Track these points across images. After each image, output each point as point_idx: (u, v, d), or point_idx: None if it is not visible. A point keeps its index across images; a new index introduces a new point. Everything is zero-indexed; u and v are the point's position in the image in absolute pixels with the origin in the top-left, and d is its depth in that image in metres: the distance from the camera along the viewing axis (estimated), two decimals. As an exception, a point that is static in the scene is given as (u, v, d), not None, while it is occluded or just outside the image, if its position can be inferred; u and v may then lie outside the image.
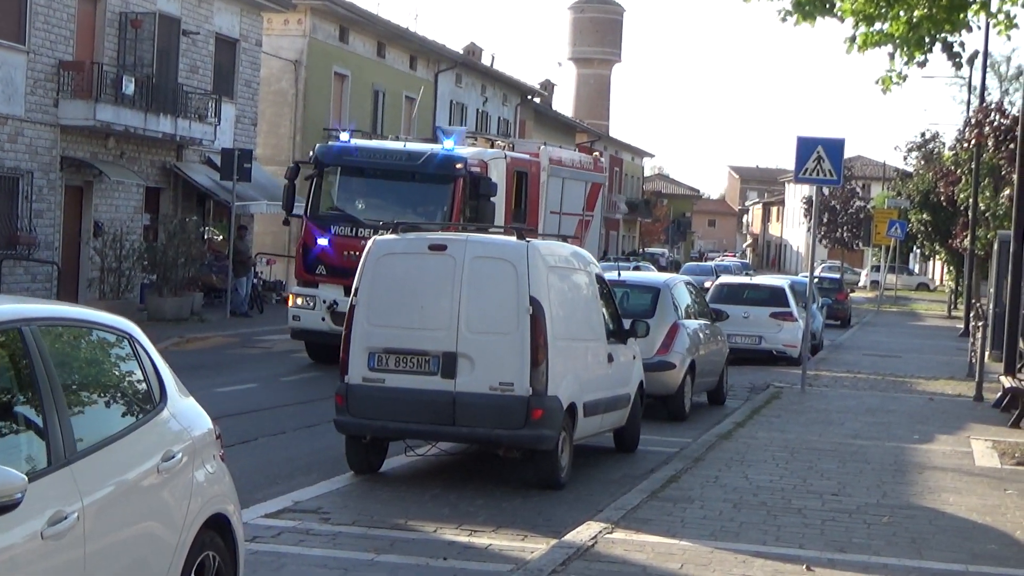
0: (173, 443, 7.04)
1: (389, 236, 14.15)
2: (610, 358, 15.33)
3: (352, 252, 22.57)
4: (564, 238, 19.41)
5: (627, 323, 16.38)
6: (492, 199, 25.40)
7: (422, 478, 14.13)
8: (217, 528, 7.34)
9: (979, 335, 30.48)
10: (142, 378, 7.10)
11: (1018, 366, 22.89)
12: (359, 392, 13.66)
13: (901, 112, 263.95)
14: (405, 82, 52.81)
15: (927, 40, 16.15)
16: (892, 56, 15.99)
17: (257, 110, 42.09)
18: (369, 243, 14.17)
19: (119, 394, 6.96)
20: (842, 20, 16.71)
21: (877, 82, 17.05)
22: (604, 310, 15.51)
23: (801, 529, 11.62)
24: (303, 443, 16.37)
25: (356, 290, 13.86)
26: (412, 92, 53.40)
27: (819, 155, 23.06)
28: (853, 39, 16.81)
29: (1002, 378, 22.00)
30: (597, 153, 38.77)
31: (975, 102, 68.67)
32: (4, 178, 30.27)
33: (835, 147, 23.21)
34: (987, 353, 29.30)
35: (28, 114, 30.73)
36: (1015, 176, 25.14)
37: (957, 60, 16.93)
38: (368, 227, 23.72)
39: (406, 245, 14.03)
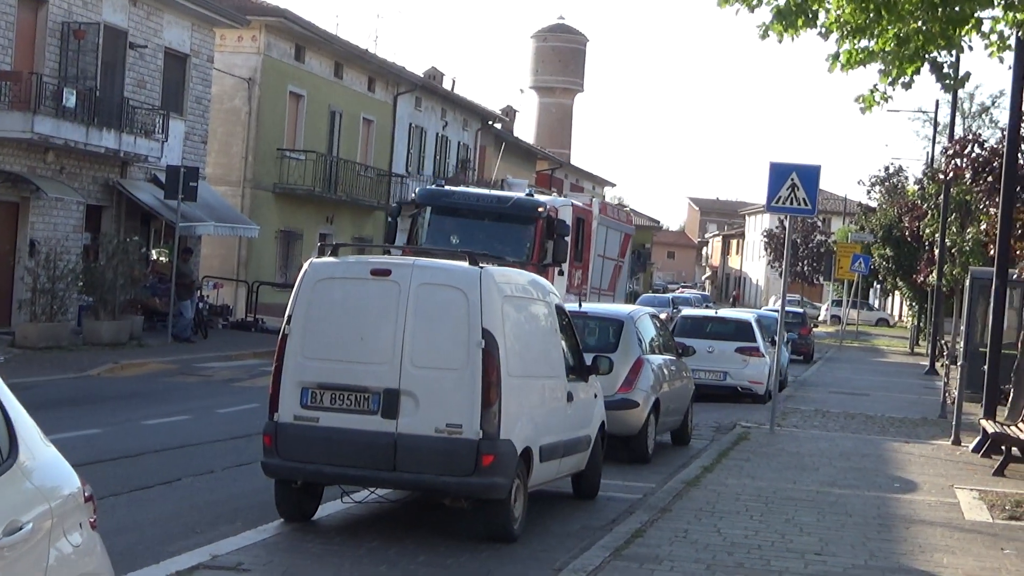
0: (23, 510, 5.58)
1: (327, 259, 12.73)
2: (570, 397, 13.95)
3: None
4: (514, 265, 18.64)
5: (588, 358, 15.03)
6: (566, 238, 29.29)
7: (359, 528, 12.65)
8: (85, 613, 5.89)
9: (952, 375, 29.39)
10: (-13, 426, 5.64)
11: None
12: (290, 432, 12.21)
13: (860, 148, 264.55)
14: (363, 104, 51.47)
15: (918, 57, 14.88)
16: (884, 72, 14.68)
17: (208, 128, 40.60)
18: (305, 266, 12.74)
19: (-48, 448, 5.50)
20: (825, 37, 15.43)
21: (858, 100, 15.76)
22: (564, 344, 14.14)
23: (784, 598, 10.23)
24: (232, 484, 14.88)
25: (289, 318, 12.43)
26: (370, 114, 52.08)
27: (793, 183, 21.85)
28: (837, 56, 15.50)
29: (982, 422, 20.72)
30: (628, 209, 48.17)
31: (941, 137, 68.13)
32: (-67, 192, 28.67)
33: (810, 174, 21.99)
34: (954, 391, 28.15)
35: (-39, 125, 29.14)
36: (998, 210, 24.02)
37: (947, 81, 15.66)
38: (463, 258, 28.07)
39: (346, 269, 12.61)
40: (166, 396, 23.11)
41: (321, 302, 12.37)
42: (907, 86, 15.77)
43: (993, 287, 21.43)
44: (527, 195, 30.57)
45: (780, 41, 15.03)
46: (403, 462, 11.94)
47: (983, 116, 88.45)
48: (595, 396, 15.14)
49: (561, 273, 30.35)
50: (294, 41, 45.46)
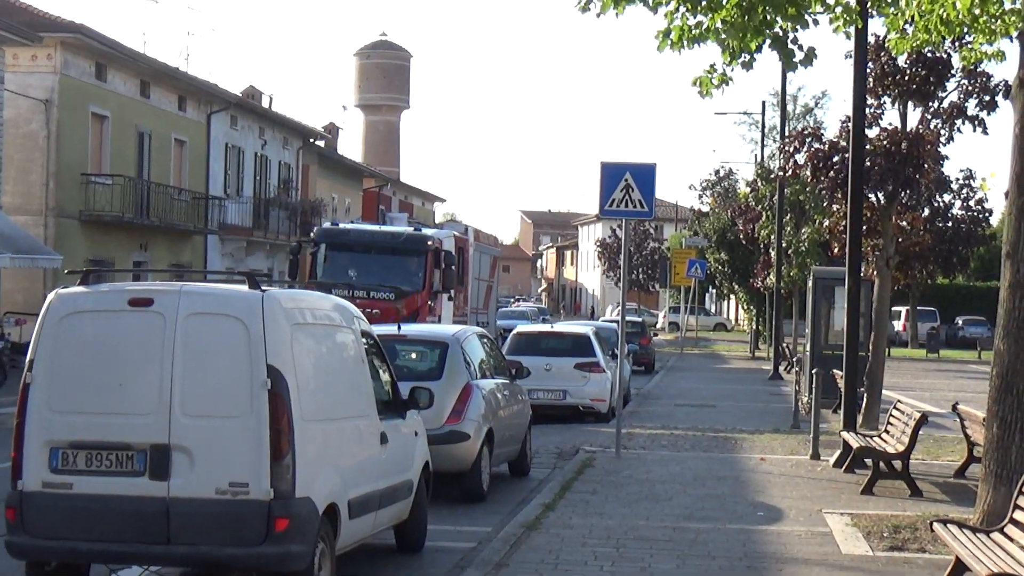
0: None
1: (75, 289, 10.45)
2: (383, 438, 11.88)
3: None
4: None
5: (406, 390, 12.98)
6: (452, 267, 32.88)
7: (129, 616, 10.39)
8: None
9: (802, 382, 27.93)
10: None
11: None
12: (38, 502, 10.00)
13: (688, 154, 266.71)
14: (174, 123, 48.72)
15: (760, 31, 13.12)
16: (724, 47, 12.89)
17: (2, 154, 37.64)
18: (49, 297, 10.46)
19: None
20: (654, 10, 13.58)
21: (694, 83, 14.01)
22: (375, 377, 12.06)
23: None
24: (-16, 564, 12.41)
25: (30, 363, 10.17)
26: (181, 134, 49.38)
27: (627, 183, 20.15)
28: (667, 33, 13.67)
29: (843, 434, 19.08)
30: (495, 236, 53.17)
31: (768, 139, 67.43)
32: None
33: (645, 174, 20.34)
34: (806, 397, 26.75)
35: None
36: (843, 205, 22.54)
37: (791, 59, 13.91)
38: (361, 289, 31.27)
39: (97, 300, 10.36)
40: (-59, 451, 20.38)
41: (69, 342, 10.15)
42: (747, 65, 14.11)
43: (847, 287, 19.85)
44: (415, 229, 34.34)
45: (600, 15, 13.16)
46: (178, 532, 9.81)
47: (807, 117, 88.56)
48: (415, 434, 13.10)
49: (451, 299, 34.12)
50: (94, 59, 42.59)
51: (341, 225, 35.29)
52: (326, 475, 10.38)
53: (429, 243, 32.88)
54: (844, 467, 18.80)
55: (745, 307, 71.60)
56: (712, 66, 13.94)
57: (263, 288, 10.19)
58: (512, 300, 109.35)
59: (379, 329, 15.97)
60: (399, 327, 17.63)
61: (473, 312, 39.40)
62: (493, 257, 45.14)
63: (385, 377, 12.55)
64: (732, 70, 13.98)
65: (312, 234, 34.26)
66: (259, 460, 9.76)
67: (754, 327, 65.35)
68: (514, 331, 29.30)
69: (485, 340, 18.79)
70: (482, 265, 42.07)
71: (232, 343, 9.91)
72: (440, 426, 15.81)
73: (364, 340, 12.00)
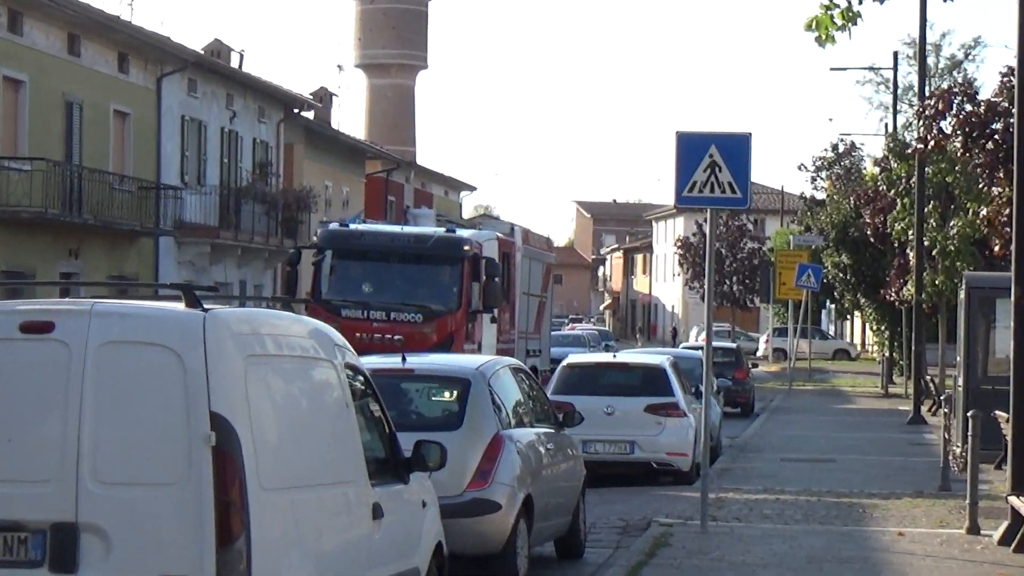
0: None
1: (-51, 311, 10.16)
2: (377, 511, 11.56)
3: (365, 335, 30.57)
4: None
5: (408, 444, 12.68)
6: (496, 279, 33.35)
7: None
8: None
9: (953, 428, 27.55)
10: None
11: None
12: None
13: (795, 127, 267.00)
14: (112, 90, 48.96)
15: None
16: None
17: None
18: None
19: None
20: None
21: (809, 27, 13.81)
22: (368, 427, 11.84)
23: None
24: None
25: None
26: (123, 103, 49.59)
27: (713, 161, 19.89)
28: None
29: (1012, 500, 18.74)
30: (548, 235, 54.29)
31: (902, 104, 66.92)
32: None
33: (737, 147, 20.24)
34: (959, 448, 26.41)
35: None
36: (1007, 188, 22.16)
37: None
38: (379, 309, 32.67)
39: (-19, 324, 10.07)
40: None
41: (-60, 383, 9.87)
42: (879, -4, 13.91)
43: (1013, 298, 19.52)
44: (447, 230, 35.17)
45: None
46: (90, 647, 9.53)
47: (953, 73, 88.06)
48: (423, 505, 12.87)
49: (493, 320, 34.97)
50: (6, 5, 42.91)
51: (352, 226, 35.80)
52: (295, 564, 10.10)
53: (466, 248, 33.58)
54: (1014, 545, 18.51)
55: (875, 327, 71.39)
56: (832, 3, 13.72)
57: (205, 307, 9.84)
58: (565, 321, 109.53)
59: (375, 362, 15.81)
60: (403, 359, 17.47)
61: (522, 337, 40.14)
62: (546, 264, 45.96)
63: (380, 428, 12.29)
64: (860, 2, 13.78)
65: (315, 237, 34.99)
66: (200, 544, 9.45)
67: (887, 354, 65.13)
68: (564, 362, 29.19)
69: (521, 375, 18.70)
70: (532, 275, 42.71)
71: (162, 383, 9.61)
72: (460, 493, 15.72)
73: (351, 377, 11.67)
